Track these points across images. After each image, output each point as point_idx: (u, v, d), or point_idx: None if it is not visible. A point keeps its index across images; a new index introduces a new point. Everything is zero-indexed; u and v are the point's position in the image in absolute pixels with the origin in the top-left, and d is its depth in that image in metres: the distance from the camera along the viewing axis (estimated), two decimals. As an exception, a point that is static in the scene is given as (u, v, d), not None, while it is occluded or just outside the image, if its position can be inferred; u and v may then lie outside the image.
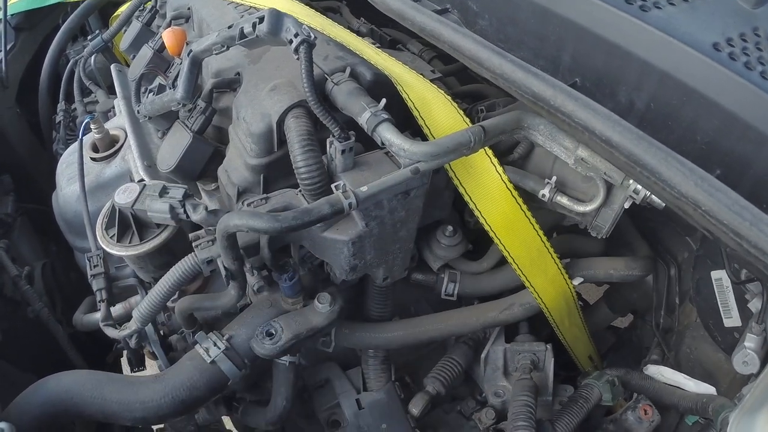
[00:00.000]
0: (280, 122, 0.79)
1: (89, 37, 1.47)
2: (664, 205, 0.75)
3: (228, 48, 0.82)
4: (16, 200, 1.38)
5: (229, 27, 0.79)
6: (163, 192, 0.80)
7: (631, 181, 0.77)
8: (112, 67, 1.30)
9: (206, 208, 0.77)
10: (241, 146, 0.86)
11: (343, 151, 0.74)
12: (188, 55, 0.86)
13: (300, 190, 0.77)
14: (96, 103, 1.41)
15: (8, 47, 1.50)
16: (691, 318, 1.05)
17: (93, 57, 1.46)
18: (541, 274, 0.92)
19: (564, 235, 1.10)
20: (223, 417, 1.06)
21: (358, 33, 1.06)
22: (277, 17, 0.74)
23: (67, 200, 1.13)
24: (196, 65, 0.87)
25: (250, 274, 0.86)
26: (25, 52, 1.58)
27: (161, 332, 0.98)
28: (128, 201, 0.81)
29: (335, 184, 0.71)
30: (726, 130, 0.61)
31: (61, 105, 1.43)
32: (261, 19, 0.74)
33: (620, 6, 0.67)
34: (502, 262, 0.98)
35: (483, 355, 1.03)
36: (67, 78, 1.48)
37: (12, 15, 1.50)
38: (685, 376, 0.94)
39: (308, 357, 1.03)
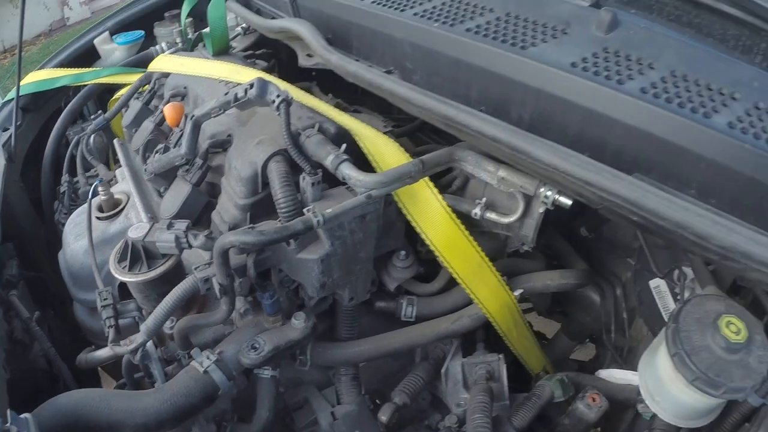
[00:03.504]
0: (264, 167, 1.14)
1: (92, 117, 1.88)
2: (570, 203, 1.08)
3: (224, 111, 1.20)
4: (19, 265, 1.72)
5: (225, 94, 1.17)
6: (170, 226, 1.14)
7: (541, 190, 1.10)
8: (115, 141, 1.68)
9: (205, 236, 1.11)
10: (231, 191, 1.21)
11: (312, 184, 1.08)
12: (191, 119, 1.24)
13: (280, 220, 1.12)
14: (96, 177, 1.79)
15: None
16: (642, 333, 1.33)
17: (93, 135, 1.86)
18: (483, 286, 1.22)
19: (508, 258, 1.42)
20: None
21: (327, 104, 1.45)
22: (264, 83, 1.11)
23: (74, 254, 1.47)
24: (197, 127, 1.24)
25: (238, 297, 1.18)
26: (30, 132, 1.98)
27: (160, 357, 1.28)
28: (140, 235, 1.15)
29: (306, 208, 1.06)
30: (586, 123, 0.96)
31: (65, 177, 1.80)
32: (251, 86, 1.12)
33: (507, 48, 1.03)
34: (451, 284, 1.29)
35: (443, 370, 1.32)
36: (70, 154, 1.87)
37: (20, 96, 1.90)
38: (633, 372, 1.19)
39: (287, 382, 1.32)
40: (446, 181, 1.29)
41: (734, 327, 0.93)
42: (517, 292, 1.28)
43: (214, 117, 1.22)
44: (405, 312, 1.31)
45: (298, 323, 1.17)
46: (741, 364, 0.92)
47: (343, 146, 1.11)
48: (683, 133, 0.89)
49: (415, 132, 1.53)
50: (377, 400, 1.38)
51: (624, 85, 0.92)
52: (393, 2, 1.26)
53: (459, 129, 1.02)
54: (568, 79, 0.96)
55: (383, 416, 1.24)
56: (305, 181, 1.09)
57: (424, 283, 1.34)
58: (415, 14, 1.18)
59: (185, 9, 1.79)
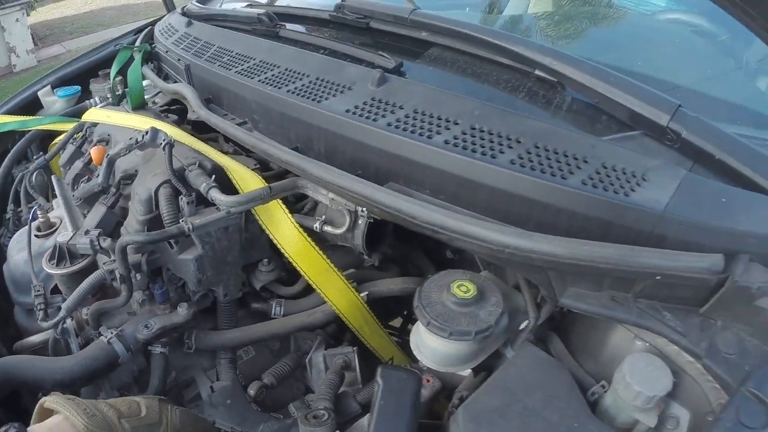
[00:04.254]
0: (156, 191, 1.68)
1: (34, 157, 2.41)
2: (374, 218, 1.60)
3: (129, 151, 1.73)
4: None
5: (130, 139, 1.71)
6: (86, 233, 1.66)
7: (359, 206, 1.52)
8: (53, 177, 2.22)
9: (111, 240, 1.63)
10: (134, 210, 1.74)
11: (188, 203, 1.61)
12: (106, 157, 1.77)
13: (166, 230, 1.64)
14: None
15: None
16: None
17: (35, 173, 2.38)
18: (331, 287, 1.67)
19: (364, 269, 1.92)
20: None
21: (227, 152, 1.98)
22: (155, 131, 1.66)
23: (16, 264, 1.99)
24: (111, 163, 1.78)
25: (138, 290, 1.69)
26: (-22, 172, 2.51)
27: (79, 342, 1.77)
28: (65, 240, 1.68)
29: (182, 219, 1.58)
30: (356, 150, 1.48)
31: (10, 207, 2.33)
32: (147, 133, 1.66)
33: (308, 102, 1.57)
34: (311, 287, 1.81)
35: (307, 360, 1.82)
36: (15, 189, 2.39)
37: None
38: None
39: (180, 368, 1.81)
40: (301, 205, 1.81)
41: (464, 288, 1.29)
42: (363, 294, 1.74)
43: (123, 156, 1.77)
44: (274, 311, 1.81)
45: (182, 311, 1.68)
46: (470, 315, 1.26)
47: (213, 177, 1.64)
48: (413, 151, 1.36)
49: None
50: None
51: (377, 122, 1.44)
52: (246, 72, 1.82)
53: (272, 159, 1.55)
54: (342, 121, 1.51)
55: (251, 390, 1.72)
56: (182, 201, 1.61)
57: (288, 287, 1.85)
58: (259, 80, 1.76)
59: (114, 69, 2.35)
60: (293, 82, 1.69)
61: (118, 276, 1.61)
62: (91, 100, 2.51)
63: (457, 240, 1.24)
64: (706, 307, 1.10)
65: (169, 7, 2.63)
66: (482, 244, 1.18)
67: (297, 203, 1.84)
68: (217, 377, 1.79)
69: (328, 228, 1.69)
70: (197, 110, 1.80)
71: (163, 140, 1.65)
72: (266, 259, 1.79)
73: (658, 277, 1.06)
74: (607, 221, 1.15)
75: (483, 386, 1.13)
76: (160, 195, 1.67)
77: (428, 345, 1.34)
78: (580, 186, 1.16)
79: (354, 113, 1.49)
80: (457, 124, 1.35)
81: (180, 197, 1.64)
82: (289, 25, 2.14)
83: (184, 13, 2.46)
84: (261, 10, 2.12)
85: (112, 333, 1.63)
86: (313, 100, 1.59)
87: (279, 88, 1.69)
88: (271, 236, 1.68)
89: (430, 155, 1.33)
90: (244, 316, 1.85)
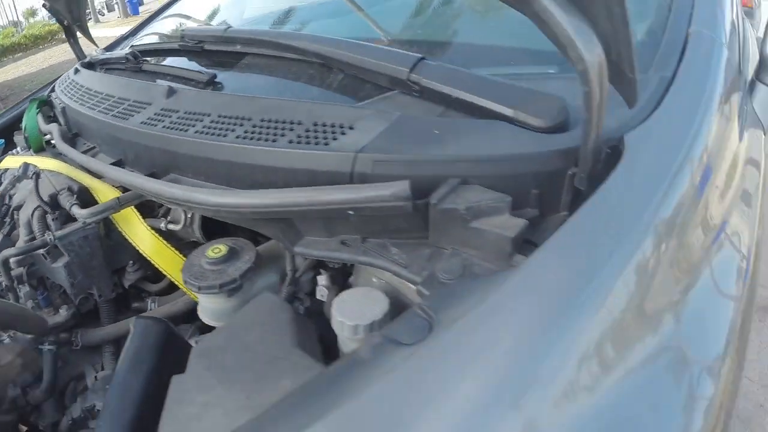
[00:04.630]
0: (32, 214, 2.07)
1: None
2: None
3: (13, 186, 2.15)
4: None
5: (12, 174, 2.11)
6: (-21, 254, 2.06)
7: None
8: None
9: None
10: (21, 234, 2.13)
11: (53, 220, 2.00)
12: (-4, 192, 2.18)
13: (40, 244, 2.03)
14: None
15: None
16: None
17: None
18: None
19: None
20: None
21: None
22: (26, 166, 2.07)
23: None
24: (2, 197, 2.18)
25: (26, 298, 2.07)
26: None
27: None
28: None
29: (46, 234, 1.97)
30: (145, 152, 1.78)
31: (-46, 246, 2.76)
32: (21, 167, 2.06)
33: (121, 122, 1.87)
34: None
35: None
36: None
37: None
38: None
39: (70, 360, 2.18)
40: (158, 211, 2.18)
41: (217, 250, 1.52)
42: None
43: (11, 188, 2.16)
44: (150, 308, 2.17)
45: (63, 312, 2.05)
46: (219, 272, 1.48)
47: (75, 196, 2.03)
48: (178, 145, 1.60)
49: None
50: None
51: (156, 127, 1.76)
52: (93, 106, 2.21)
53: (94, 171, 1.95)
54: (138, 132, 1.83)
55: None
56: (49, 218, 2.00)
57: (155, 284, 2.22)
58: (98, 111, 2.13)
59: (24, 121, 2.75)
60: (117, 108, 2.06)
61: (3, 286, 2.01)
62: (15, 150, 2.93)
63: (188, 208, 1.56)
64: (430, 236, 1.18)
65: (79, 56, 3.05)
66: (202, 207, 1.42)
67: (158, 209, 2.21)
68: (102, 368, 2.16)
69: (171, 226, 2.05)
70: (57, 144, 2.21)
71: (32, 172, 2.05)
72: (132, 261, 2.17)
73: (350, 212, 1.18)
74: (311, 170, 1.29)
75: (216, 329, 1.31)
76: (33, 217, 2.06)
77: (201, 303, 1.61)
78: (286, 145, 1.34)
79: (145, 123, 1.83)
80: (208, 115, 1.60)
81: (47, 215, 2.03)
82: (152, 59, 2.55)
83: (83, 62, 2.88)
84: (128, 50, 2.54)
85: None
86: (123, 119, 1.95)
87: (106, 114, 2.06)
88: (130, 240, 2.05)
89: (185, 145, 1.62)
90: (129, 315, 2.22)
